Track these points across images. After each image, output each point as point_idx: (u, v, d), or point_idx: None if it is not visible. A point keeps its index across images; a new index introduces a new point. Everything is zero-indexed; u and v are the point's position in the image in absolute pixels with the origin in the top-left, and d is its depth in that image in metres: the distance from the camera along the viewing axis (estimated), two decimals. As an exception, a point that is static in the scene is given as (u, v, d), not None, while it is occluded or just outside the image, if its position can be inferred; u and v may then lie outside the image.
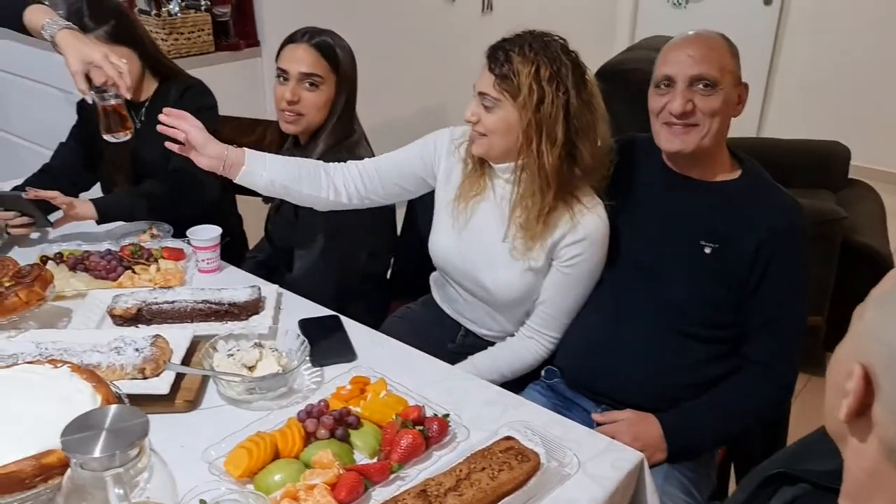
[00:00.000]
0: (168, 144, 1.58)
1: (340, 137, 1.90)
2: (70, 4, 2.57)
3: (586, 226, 1.54)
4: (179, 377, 1.35)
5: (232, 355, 1.36)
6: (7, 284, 1.47)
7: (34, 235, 1.92)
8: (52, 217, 1.88)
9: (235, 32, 3.15)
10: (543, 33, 1.51)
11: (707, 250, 1.50)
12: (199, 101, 2.10)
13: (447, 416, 1.27)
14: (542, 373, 1.66)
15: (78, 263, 1.69)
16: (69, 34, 1.63)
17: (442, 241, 1.71)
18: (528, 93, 1.46)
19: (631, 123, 1.93)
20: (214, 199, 2.06)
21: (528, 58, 1.46)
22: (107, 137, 1.68)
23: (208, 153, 1.55)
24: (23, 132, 3.54)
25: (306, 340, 1.42)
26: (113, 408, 0.95)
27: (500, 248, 1.61)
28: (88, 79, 1.64)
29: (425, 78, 3.89)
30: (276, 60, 1.90)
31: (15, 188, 1.97)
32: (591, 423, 1.50)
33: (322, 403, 1.26)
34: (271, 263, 2.08)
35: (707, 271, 1.50)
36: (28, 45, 3.32)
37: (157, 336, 1.38)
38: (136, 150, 2.11)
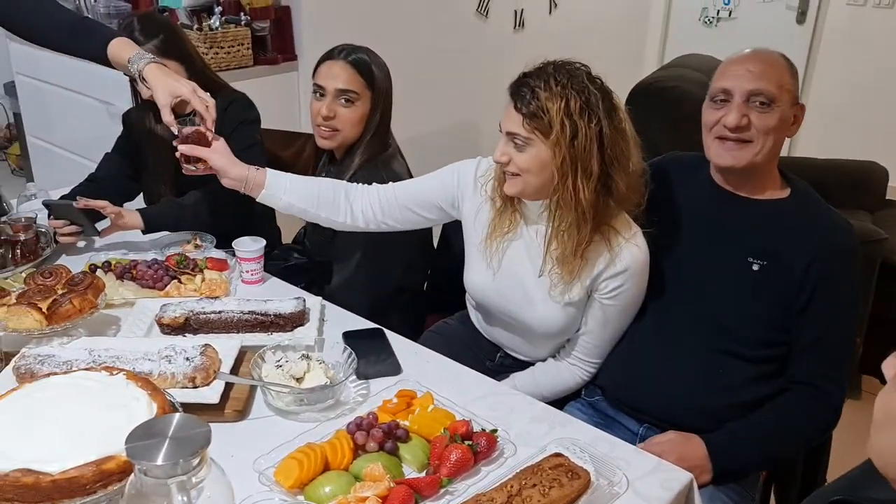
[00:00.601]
0: (177, 155, 1.65)
1: (375, 152, 1.92)
2: (122, 20, 2.63)
3: (625, 258, 1.51)
4: (229, 386, 1.36)
5: (280, 366, 1.37)
6: (61, 292, 1.50)
7: (81, 244, 1.95)
8: (99, 226, 1.91)
9: (273, 47, 3.20)
10: (565, 62, 1.48)
11: (755, 267, 1.49)
12: (243, 115, 2.14)
13: (495, 431, 1.27)
14: (583, 391, 1.66)
15: (125, 272, 1.72)
16: (156, 68, 1.68)
17: (476, 280, 1.69)
18: (561, 129, 1.41)
19: (667, 143, 1.93)
20: (255, 211, 2.08)
21: (555, 92, 1.42)
22: (186, 168, 1.67)
23: (231, 175, 1.62)
24: (64, 142, 3.61)
25: (353, 353, 1.42)
26: (176, 416, 0.96)
27: (537, 285, 1.58)
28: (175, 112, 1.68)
29: (458, 93, 3.92)
30: (313, 76, 1.93)
31: (63, 197, 2.00)
32: (633, 441, 1.49)
33: (371, 416, 1.27)
34: (302, 270, 2.10)
35: (754, 289, 1.49)
36: (68, 56, 3.40)
37: (207, 345, 1.39)
38: (180, 162, 2.14)
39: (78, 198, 1.86)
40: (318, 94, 1.91)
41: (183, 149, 1.62)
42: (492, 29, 4.05)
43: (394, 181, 1.86)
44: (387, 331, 1.62)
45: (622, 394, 1.59)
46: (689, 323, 1.54)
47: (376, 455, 1.21)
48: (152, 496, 0.92)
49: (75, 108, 3.37)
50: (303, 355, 1.40)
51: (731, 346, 1.50)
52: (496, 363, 1.81)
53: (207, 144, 1.64)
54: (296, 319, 1.58)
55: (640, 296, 1.59)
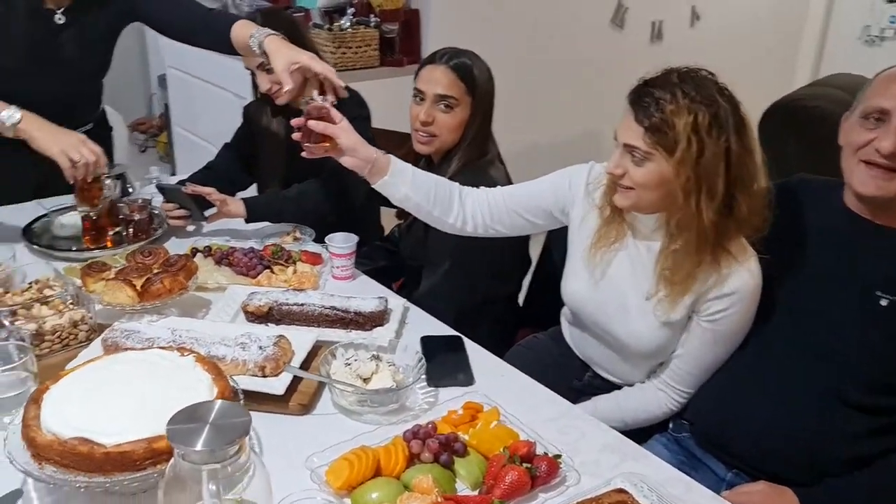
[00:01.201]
0: (296, 137, 1.59)
1: (473, 158, 1.89)
2: (247, 15, 2.73)
3: (735, 281, 1.40)
4: (297, 379, 1.36)
5: (349, 364, 1.36)
6: (156, 271, 1.56)
7: (190, 228, 2.03)
8: (208, 212, 1.98)
9: (400, 49, 3.24)
10: (690, 70, 1.37)
11: (883, 302, 1.33)
12: (354, 111, 2.15)
13: (559, 456, 1.19)
14: (670, 423, 1.54)
15: (223, 258, 1.77)
16: (276, 39, 1.75)
17: (575, 288, 1.62)
18: (687, 146, 1.31)
19: (801, 165, 1.76)
20: (357, 207, 2.10)
21: (682, 105, 1.31)
22: (308, 149, 1.59)
23: (359, 155, 1.55)
24: (205, 134, 3.82)
25: (424, 359, 1.39)
26: (218, 402, 0.95)
27: (637, 300, 1.50)
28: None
29: (585, 105, 3.82)
30: (414, 80, 1.91)
31: (179, 182, 2.10)
32: (718, 488, 1.37)
33: (430, 426, 1.23)
34: (395, 272, 2.09)
35: (880, 326, 1.33)
36: (200, 48, 3.59)
37: (281, 337, 1.40)
38: (292, 155, 2.19)
39: (187, 183, 1.93)
40: (417, 98, 1.89)
41: (312, 125, 1.53)
42: (627, 40, 3.92)
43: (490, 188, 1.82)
44: (467, 341, 1.57)
45: (712, 432, 1.47)
46: (799, 359, 1.39)
47: (430, 466, 1.17)
48: (188, 480, 0.92)
49: (217, 101, 3.56)
50: (373, 356, 1.38)
51: (848, 389, 1.34)
52: (584, 382, 1.72)
53: (333, 123, 1.57)
54: (376, 319, 1.56)
55: (744, 325, 1.46)
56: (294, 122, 1.57)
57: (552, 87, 3.73)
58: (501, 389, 1.40)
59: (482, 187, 1.68)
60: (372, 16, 3.14)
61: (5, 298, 1.48)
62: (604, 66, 3.84)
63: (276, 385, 1.32)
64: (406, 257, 2.06)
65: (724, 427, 1.44)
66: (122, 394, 1.13)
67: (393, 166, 1.58)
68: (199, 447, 0.90)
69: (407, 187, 1.59)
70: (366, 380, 1.34)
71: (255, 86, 2.17)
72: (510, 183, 1.96)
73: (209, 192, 1.90)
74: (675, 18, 4.13)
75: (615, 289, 1.54)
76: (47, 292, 1.50)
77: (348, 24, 3.06)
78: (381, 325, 1.57)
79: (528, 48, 3.61)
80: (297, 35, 2.09)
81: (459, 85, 1.85)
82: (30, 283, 1.55)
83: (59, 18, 1.91)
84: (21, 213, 1.97)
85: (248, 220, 1.96)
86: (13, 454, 1.06)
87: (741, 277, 1.40)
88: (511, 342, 1.99)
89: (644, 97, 1.36)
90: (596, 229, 1.56)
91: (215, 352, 1.35)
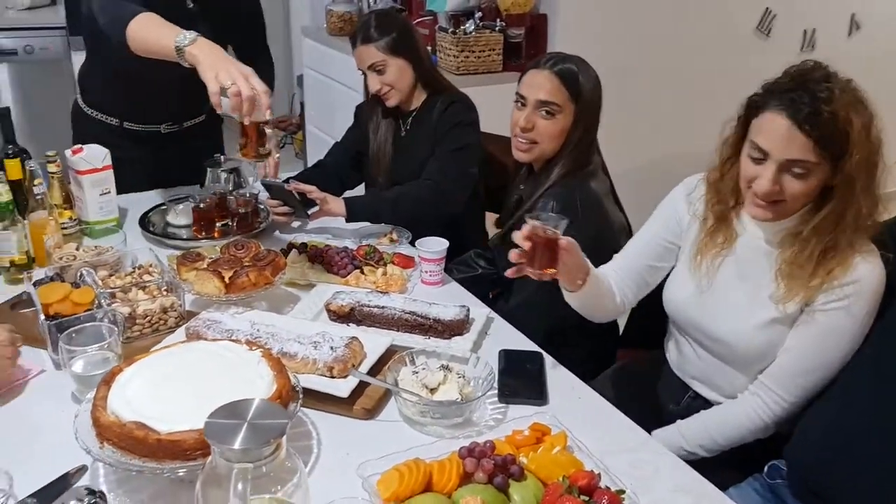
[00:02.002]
0: (514, 257, 1.41)
1: (574, 168, 1.81)
2: (360, 17, 2.79)
3: (858, 270, 1.31)
4: (365, 383, 1.35)
5: (416, 373, 1.33)
6: (246, 264, 1.59)
7: (294, 224, 2.07)
8: (311, 210, 2.01)
9: (525, 54, 3.18)
10: (820, 67, 1.33)
11: None
12: (461, 116, 2.14)
13: (623, 492, 1.10)
14: (766, 468, 1.40)
15: (317, 256, 1.79)
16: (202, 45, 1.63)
17: (679, 296, 1.56)
18: (854, 152, 1.28)
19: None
20: (457, 212, 2.08)
21: (842, 105, 1.27)
22: (529, 274, 1.42)
23: (575, 274, 1.48)
24: (336, 134, 3.92)
25: (495, 373, 1.34)
26: (256, 401, 0.95)
27: (746, 300, 1.44)
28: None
29: (722, 118, 3.60)
30: (518, 84, 1.85)
31: (283, 180, 2.15)
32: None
33: (488, 444, 1.17)
34: (489, 281, 2.04)
35: None
36: (335, 50, 3.69)
37: (354, 339, 1.39)
38: (398, 157, 2.20)
39: (290, 180, 1.97)
40: (519, 104, 1.83)
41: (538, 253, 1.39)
42: (773, 49, 3.66)
43: (587, 200, 1.76)
44: (550, 359, 1.50)
45: (813, 479, 1.30)
46: None
47: (482, 487, 1.11)
48: (223, 477, 0.92)
49: (348, 103, 3.64)
50: (442, 366, 1.34)
51: None
52: (682, 406, 1.62)
53: (556, 249, 1.39)
54: (455, 328, 1.52)
55: (861, 325, 1.33)
56: (513, 256, 1.40)
57: (684, 98, 3.54)
58: (575, 413, 1.32)
59: (609, 266, 1.65)
60: (498, 20, 3.11)
61: (109, 280, 1.56)
62: (745, 77, 3.59)
63: (342, 387, 1.31)
64: (501, 267, 2.01)
65: (828, 473, 1.27)
66: (183, 383, 1.16)
67: (591, 279, 1.52)
68: (234, 445, 0.90)
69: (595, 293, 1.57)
70: (432, 390, 1.31)
71: (366, 86, 2.19)
72: (612, 196, 1.87)
73: (310, 189, 1.93)
74: (831, 27, 3.81)
75: (722, 291, 1.49)
76: (146, 278, 1.57)
77: (473, 27, 3.04)
78: (461, 334, 1.53)
79: (660, 57, 3.45)
80: (407, 38, 2.10)
81: (563, 91, 1.78)
82: (133, 268, 1.63)
83: (191, 5, 1.98)
84: (141, 202, 2.09)
85: (347, 220, 1.98)
86: (79, 431, 1.10)
87: (866, 267, 1.32)
88: (608, 364, 1.89)
89: (801, 107, 1.28)
90: (699, 238, 1.52)
91: (288, 348, 1.36)
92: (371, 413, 1.31)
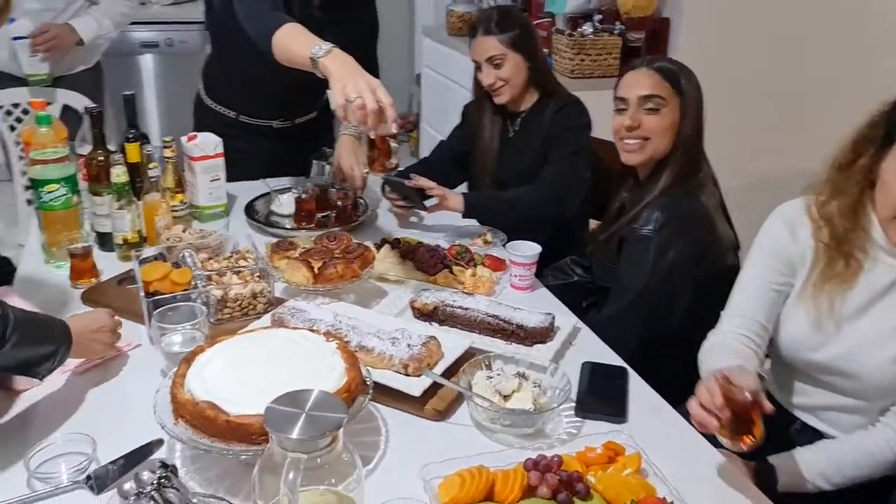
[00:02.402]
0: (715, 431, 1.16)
1: (685, 172, 1.72)
2: (481, 11, 2.78)
3: None
4: (438, 383, 1.33)
5: (491, 378, 1.30)
6: (336, 256, 1.61)
7: (413, 218, 2.12)
8: (429, 203, 2.04)
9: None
10: None
11: None
12: (575, 119, 2.10)
13: (695, 524, 1.04)
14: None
15: (409, 252, 1.79)
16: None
17: (797, 334, 1.43)
18: None
19: None
20: (570, 216, 2.05)
21: None
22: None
23: None
24: (445, 130, 3.95)
25: (571, 385, 1.29)
26: (316, 391, 0.95)
27: (877, 329, 1.34)
28: None
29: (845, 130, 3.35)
30: (614, 92, 1.79)
31: (398, 174, 2.18)
32: None
33: (555, 458, 1.12)
34: (584, 289, 1.98)
35: None
36: (453, 50, 3.69)
37: (432, 338, 1.37)
38: (505, 157, 2.18)
39: (412, 175, 2.00)
40: (619, 109, 1.76)
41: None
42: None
43: (695, 214, 1.67)
44: (634, 375, 1.44)
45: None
46: None
47: (545, 502, 1.07)
48: (278, 465, 0.92)
49: (461, 102, 3.66)
50: (518, 373, 1.31)
51: None
52: (785, 439, 1.50)
53: (753, 417, 1.13)
54: (538, 335, 1.48)
55: None
56: (718, 410, 1.12)
57: (819, 110, 3.31)
58: (655, 435, 1.26)
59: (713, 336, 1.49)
60: (618, 23, 3.03)
61: (207, 263, 1.62)
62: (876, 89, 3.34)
63: (415, 386, 1.30)
64: (597, 276, 1.95)
65: None
66: (258, 367, 1.18)
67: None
68: (291, 434, 0.90)
69: None
70: (505, 397, 1.28)
71: (476, 82, 2.19)
72: (722, 210, 1.76)
73: (431, 185, 1.97)
74: None
75: (848, 324, 1.37)
76: (242, 263, 1.62)
77: (590, 30, 2.97)
78: (544, 342, 1.49)
79: (794, 66, 3.24)
80: (528, 36, 2.10)
81: (664, 84, 1.71)
82: (231, 253, 1.68)
83: (317, 12, 2.04)
84: (249, 190, 2.16)
85: (464, 216, 2.00)
86: (158, 406, 1.15)
87: None
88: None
89: None
90: (816, 269, 1.39)
91: (367, 342, 1.37)
92: (442, 414, 1.30)
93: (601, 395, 1.35)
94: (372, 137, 1.62)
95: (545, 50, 2.85)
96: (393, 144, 1.69)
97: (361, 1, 2.16)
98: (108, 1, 2.86)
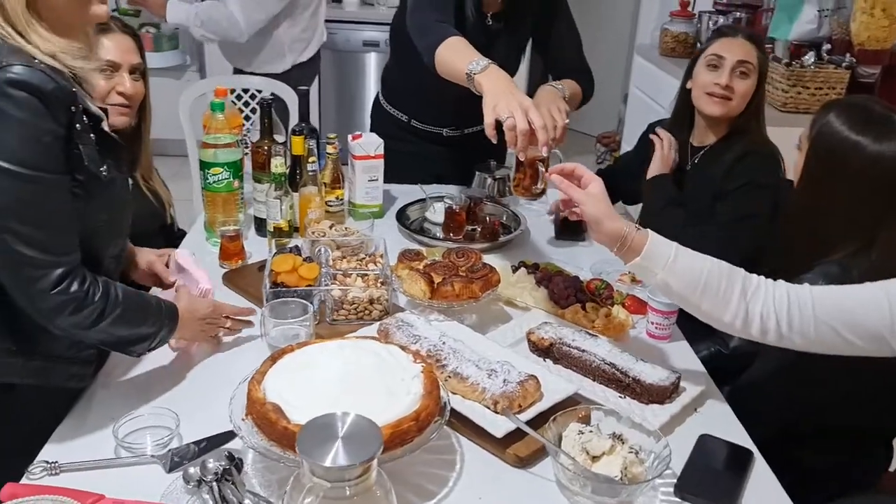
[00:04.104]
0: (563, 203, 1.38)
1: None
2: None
3: None
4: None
5: (582, 433, 1.17)
6: (460, 273, 1.55)
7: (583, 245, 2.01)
8: None
9: (879, 97, 2.69)
10: None
11: None
12: (757, 175, 1.83)
13: None
14: None
15: (544, 280, 1.69)
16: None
17: None
18: None
19: None
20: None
21: None
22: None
23: (602, 229, 1.30)
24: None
25: (670, 458, 1.13)
26: (352, 416, 0.90)
27: None
28: None
29: None
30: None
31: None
32: None
33: (624, 542, 0.99)
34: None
35: None
36: (662, 71, 3.46)
37: (532, 377, 1.27)
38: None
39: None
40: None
41: (555, 180, 1.36)
42: None
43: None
44: (762, 462, 1.23)
45: None
46: None
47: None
48: (304, 487, 0.88)
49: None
50: (613, 434, 1.17)
51: None
52: None
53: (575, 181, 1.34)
54: (656, 393, 1.32)
55: None
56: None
57: None
58: (765, 539, 1.07)
59: (781, 282, 1.27)
60: (848, 55, 2.68)
61: (338, 262, 1.63)
62: None
63: (500, 425, 1.20)
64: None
65: None
66: (334, 377, 1.15)
67: (649, 246, 1.27)
68: (321, 461, 0.85)
69: (665, 273, 1.26)
70: (594, 457, 1.14)
71: (680, 101, 2.04)
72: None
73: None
74: None
75: None
76: (371, 267, 1.61)
77: (812, 60, 2.65)
78: (662, 402, 1.33)
79: None
80: (766, 62, 1.98)
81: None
82: (366, 255, 1.68)
83: (491, 23, 2.02)
84: (410, 194, 2.17)
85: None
86: (236, 398, 1.16)
87: None
88: (872, 481, 1.52)
89: None
90: None
91: (463, 369, 1.29)
92: (523, 462, 1.19)
93: (710, 477, 1.18)
94: (521, 159, 1.59)
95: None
96: (541, 169, 1.62)
97: (535, 10, 2.08)
98: (215, 7, 2.90)
